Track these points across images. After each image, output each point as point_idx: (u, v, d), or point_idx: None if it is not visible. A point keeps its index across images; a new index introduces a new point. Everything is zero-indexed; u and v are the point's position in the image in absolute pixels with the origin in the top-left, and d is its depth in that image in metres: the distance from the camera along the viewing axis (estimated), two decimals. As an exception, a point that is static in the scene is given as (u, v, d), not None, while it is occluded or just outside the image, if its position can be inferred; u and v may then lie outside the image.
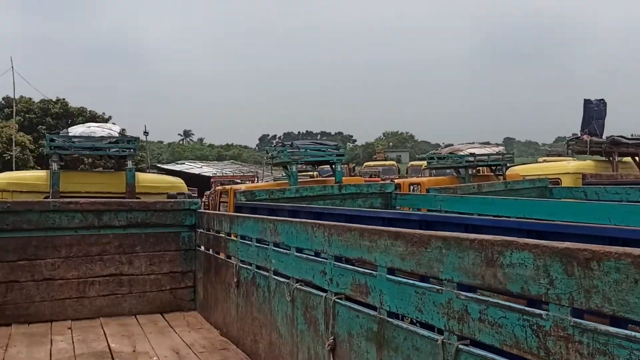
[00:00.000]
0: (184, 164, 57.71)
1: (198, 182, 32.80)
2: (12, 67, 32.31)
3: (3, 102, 45.43)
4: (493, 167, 11.72)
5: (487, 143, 14.82)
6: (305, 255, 3.88)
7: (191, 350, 5.02)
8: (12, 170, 24.87)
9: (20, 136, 36.98)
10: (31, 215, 6.17)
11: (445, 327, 2.41)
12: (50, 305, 6.18)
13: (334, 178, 10.20)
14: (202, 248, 6.52)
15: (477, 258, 2.24)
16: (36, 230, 6.19)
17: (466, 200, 6.74)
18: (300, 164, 10.33)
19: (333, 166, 10.32)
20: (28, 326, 5.91)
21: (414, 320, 2.72)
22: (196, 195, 20.85)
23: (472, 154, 11.24)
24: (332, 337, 3.32)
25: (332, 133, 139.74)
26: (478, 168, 12.20)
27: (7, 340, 5.37)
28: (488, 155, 11.51)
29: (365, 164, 35.46)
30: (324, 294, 3.48)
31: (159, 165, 55.95)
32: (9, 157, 33.40)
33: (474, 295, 2.29)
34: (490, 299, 2.22)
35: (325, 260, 3.51)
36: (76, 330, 5.76)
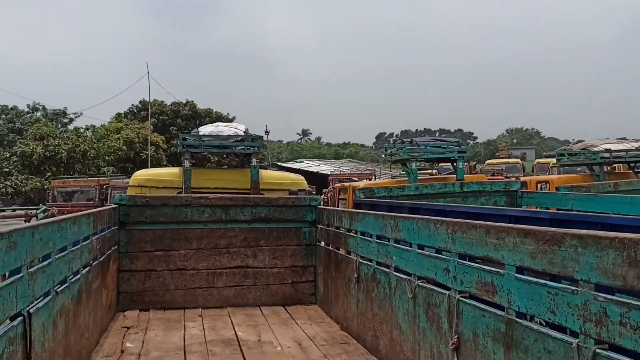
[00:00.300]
0: (302, 162, 59.22)
1: (316, 180, 33.47)
2: (148, 72, 35.00)
3: (140, 105, 49.20)
4: (632, 164, 10.87)
5: (624, 139, 13.71)
6: (427, 252, 3.82)
7: (313, 343, 5.13)
8: (147, 168, 26.92)
9: (155, 136, 39.88)
10: (166, 209, 6.62)
11: (580, 329, 2.27)
12: (183, 293, 6.60)
13: (454, 176, 9.96)
14: (322, 243, 6.63)
15: (618, 258, 2.08)
16: (170, 223, 6.64)
17: (601, 199, 6.28)
18: (420, 161, 10.20)
19: (454, 163, 10.07)
20: (164, 312, 6.36)
21: (543, 322, 2.58)
22: (314, 192, 21.26)
23: (607, 150, 10.49)
24: (456, 336, 3.25)
25: (452, 130, 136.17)
26: (614, 165, 11.38)
27: (146, 324, 5.82)
28: (626, 151, 10.68)
29: (487, 161, 34.29)
30: (447, 292, 3.41)
31: (278, 163, 57.81)
32: (144, 156, 36.19)
33: (614, 297, 2.13)
34: (633, 302, 2.05)
35: (448, 258, 3.43)
36: (206, 318, 6.10)
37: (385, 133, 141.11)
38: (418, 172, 10.46)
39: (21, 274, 2.89)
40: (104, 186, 22.58)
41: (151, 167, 29.44)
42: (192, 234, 6.68)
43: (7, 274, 2.81)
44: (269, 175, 9.63)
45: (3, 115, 52.53)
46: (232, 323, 5.89)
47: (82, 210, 5.18)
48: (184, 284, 6.61)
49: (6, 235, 2.68)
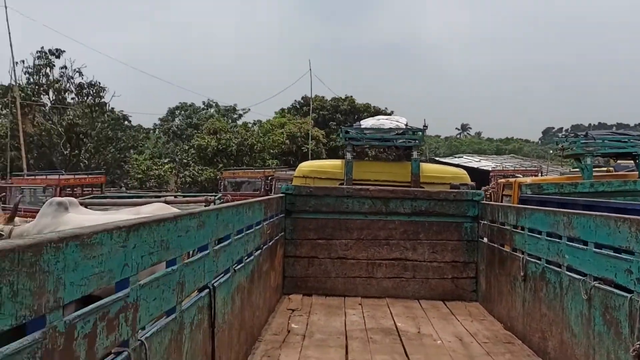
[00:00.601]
0: (462, 157, 57.55)
1: (476, 176, 32.27)
2: (310, 69, 36.48)
3: (302, 101, 51.27)
4: None
5: None
6: (605, 252, 3.55)
7: (474, 340, 5.01)
8: (309, 160, 28.01)
9: (315, 131, 41.37)
10: (329, 200, 6.87)
11: None
12: (344, 281, 6.81)
13: (635, 173, 9.07)
14: (485, 240, 6.43)
15: None
16: (332, 213, 6.88)
17: None
18: (596, 156, 9.41)
19: (636, 160, 9.17)
20: (325, 298, 6.62)
21: None
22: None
23: None
24: (638, 342, 2.98)
25: (631, 124, 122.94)
26: None
27: (309, 308, 6.10)
28: None
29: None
30: (628, 295, 3.14)
31: (436, 158, 56.79)
32: (306, 150, 37.75)
33: None
34: None
35: (631, 258, 3.15)
36: (365, 306, 6.24)
37: (553, 128, 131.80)
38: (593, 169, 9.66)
39: (208, 251, 3.20)
40: (269, 177, 24.02)
41: (311, 160, 30.57)
42: (353, 225, 6.86)
43: (192, 251, 3.13)
44: (429, 168, 9.52)
45: (183, 112, 57.92)
46: (391, 313, 5.95)
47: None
48: (345, 273, 6.81)
49: (197, 215, 2.98)
